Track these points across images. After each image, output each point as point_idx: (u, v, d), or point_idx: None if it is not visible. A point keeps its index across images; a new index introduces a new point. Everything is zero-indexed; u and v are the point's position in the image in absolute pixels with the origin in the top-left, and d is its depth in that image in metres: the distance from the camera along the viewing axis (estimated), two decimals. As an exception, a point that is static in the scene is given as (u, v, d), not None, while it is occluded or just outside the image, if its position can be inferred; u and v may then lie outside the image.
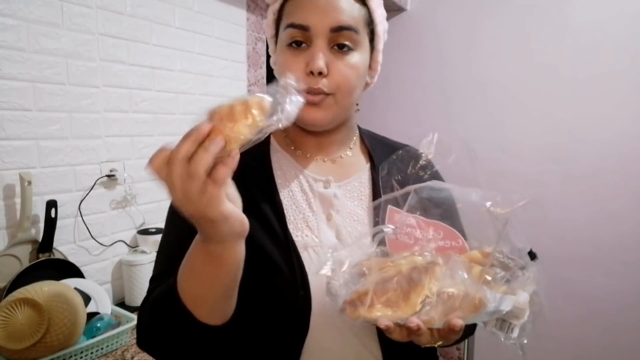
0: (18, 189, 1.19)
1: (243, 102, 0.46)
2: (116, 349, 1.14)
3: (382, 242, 0.56)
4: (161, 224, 1.57)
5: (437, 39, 2.24)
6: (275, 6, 0.64)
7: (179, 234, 0.60)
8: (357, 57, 0.62)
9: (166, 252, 0.65)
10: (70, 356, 1.03)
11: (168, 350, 0.58)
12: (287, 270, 0.59)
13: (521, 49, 2.06)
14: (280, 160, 0.69)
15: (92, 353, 1.08)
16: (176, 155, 0.42)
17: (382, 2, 0.66)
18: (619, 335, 1.97)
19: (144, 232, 1.50)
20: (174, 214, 0.66)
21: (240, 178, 0.54)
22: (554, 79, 2.01)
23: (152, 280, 0.65)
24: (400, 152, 0.65)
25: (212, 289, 0.51)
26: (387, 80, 2.36)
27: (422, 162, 0.64)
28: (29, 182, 1.17)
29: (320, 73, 0.59)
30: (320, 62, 0.58)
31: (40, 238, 1.23)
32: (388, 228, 0.53)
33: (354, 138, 0.74)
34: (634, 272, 1.92)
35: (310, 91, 0.59)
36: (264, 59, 2.06)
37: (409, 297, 0.47)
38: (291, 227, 0.63)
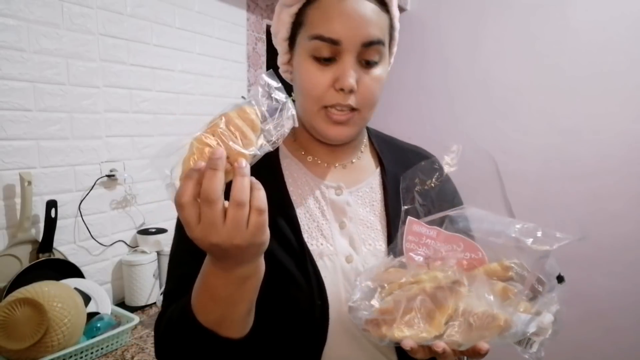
0: (18, 189, 1.19)
1: (236, 122, 0.46)
2: (116, 349, 1.14)
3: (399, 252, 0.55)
4: (161, 224, 1.58)
5: (437, 39, 2.24)
6: (293, 9, 0.59)
7: (189, 251, 0.56)
8: (381, 70, 0.60)
9: (177, 269, 0.63)
10: (70, 356, 1.03)
11: None
12: (303, 280, 0.58)
13: (521, 49, 2.06)
14: (290, 167, 0.67)
15: (92, 353, 1.08)
16: (208, 196, 0.41)
17: (396, 3, 0.64)
18: (619, 336, 1.97)
19: (144, 232, 1.50)
20: (182, 230, 0.63)
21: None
22: (555, 79, 2.01)
23: (166, 297, 0.63)
24: (424, 163, 0.63)
25: (237, 308, 0.50)
26: (388, 80, 2.36)
27: (444, 176, 0.62)
28: (29, 182, 1.17)
29: (351, 90, 0.56)
30: (352, 80, 0.56)
31: (40, 238, 1.23)
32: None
33: (364, 141, 0.73)
34: (635, 272, 1.92)
35: (336, 106, 0.57)
36: (264, 59, 2.06)
37: (433, 317, 0.46)
38: (306, 236, 0.61)
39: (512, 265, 0.50)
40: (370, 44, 0.56)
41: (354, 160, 0.69)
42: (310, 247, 0.60)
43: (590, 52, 1.92)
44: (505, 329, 0.45)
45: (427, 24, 2.25)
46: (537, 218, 2.10)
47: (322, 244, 0.61)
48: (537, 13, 2.01)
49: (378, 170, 0.70)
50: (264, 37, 2.03)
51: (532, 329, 0.46)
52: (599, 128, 1.94)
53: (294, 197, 0.63)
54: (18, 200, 1.19)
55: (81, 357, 1.06)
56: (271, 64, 2.08)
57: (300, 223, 0.61)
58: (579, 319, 2.03)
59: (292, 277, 0.58)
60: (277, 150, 0.67)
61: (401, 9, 2.27)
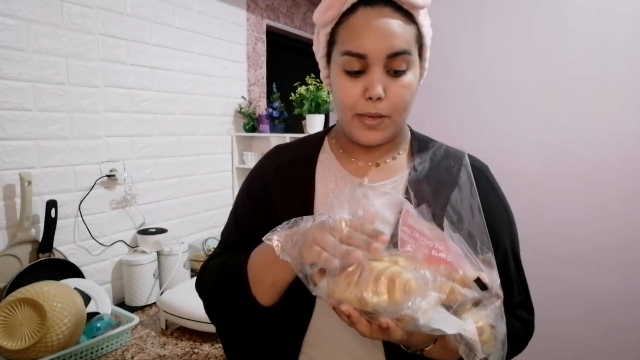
0: (18, 189, 1.19)
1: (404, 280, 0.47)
2: (116, 349, 1.14)
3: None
4: (161, 224, 1.58)
5: (437, 39, 2.24)
6: (328, 30, 0.65)
7: (242, 236, 0.72)
8: (410, 76, 0.64)
9: (228, 242, 0.75)
10: (70, 356, 1.03)
11: (215, 302, 0.69)
12: None
13: (521, 49, 2.06)
14: (325, 160, 0.73)
15: (92, 353, 1.08)
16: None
17: (427, 12, 0.67)
18: (618, 335, 1.97)
19: (144, 232, 1.50)
20: (241, 215, 0.74)
21: (285, 170, 0.72)
22: (554, 79, 2.01)
23: (213, 256, 0.76)
24: (438, 148, 0.67)
25: (274, 287, 0.61)
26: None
27: (453, 166, 0.64)
28: (29, 182, 1.17)
29: (378, 98, 0.61)
30: (379, 90, 0.60)
31: (40, 238, 1.23)
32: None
33: (405, 143, 0.76)
34: (634, 271, 1.92)
35: (368, 115, 0.63)
36: (264, 59, 2.06)
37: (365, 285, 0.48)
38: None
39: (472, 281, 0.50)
40: (395, 55, 0.61)
41: (387, 161, 0.72)
42: None
43: (589, 52, 1.93)
44: (404, 301, 0.45)
45: (427, 23, 2.25)
46: (536, 217, 2.10)
47: None
48: (537, 13, 2.01)
49: (408, 171, 0.72)
50: (264, 37, 2.03)
51: (448, 329, 0.45)
52: (599, 127, 1.94)
53: (317, 185, 0.70)
54: (18, 200, 1.19)
55: (81, 357, 1.06)
56: (271, 64, 2.08)
57: (317, 208, 0.68)
58: (578, 318, 2.03)
59: None
60: (319, 144, 0.75)
61: (401, 9, 2.27)
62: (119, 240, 1.47)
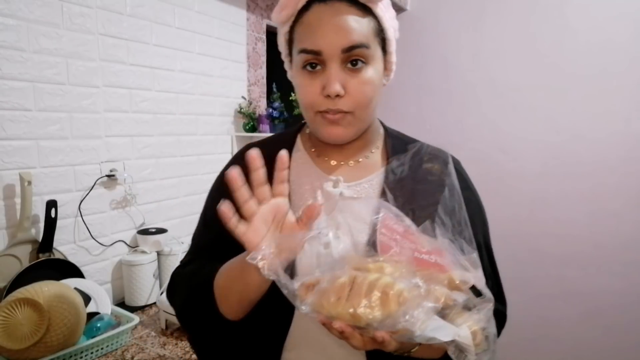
0: (18, 189, 1.19)
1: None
2: (116, 349, 1.14)
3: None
4: (161, 224, 1.58)
5: (437, 39, 2.24)
6: (285, 28, 0.65)
7: (212, 235, 0.70)
8: (371, 71, 0.63)
9: (198, 247, 0.74)
10: (70, 356, 1.03)
11: (186, 313, 0.69)
12: None
13: (521, 48, 2.06)
14: (299, 159, 0.72)
15: (92, 353, 1.08)
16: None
17: (389, 4, 0.66)
18: (618, 335, 1.97)
19: (144, 232, 1.50)
20: (210, 217, 0.72)
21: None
22: (554, 79, 2.01)
23: (184, 264, 0.75)
24: (431, 147, 0.66)
25: (241, 304, 0.61)
26: (383, 78, 2.35)
27: (436, 167, 0.63)
28: (29, 182, 1.17)
29: (337, 95, 0.60)
30: (337, 86, 0.60)
31: (40, 238, 1.23)
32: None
33: (378, 141, 0.75)
34: (634, 271, 1.92)
35: (329, 112, 0.62)
36: (264, 59, 2.06)
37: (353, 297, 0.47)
38: None
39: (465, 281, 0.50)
40: (351, 49, 0.60)
41: (360, 159, 0.71)
42: None
43: (589, 52, 1.93)
44: (399, 313, 0.44)
45: (427, 24, 2.25)
46: (536, 217, 2.10)
47: None
48: (537, 13, 2.01)
49: (384, 168, 0.71)
50: (264, 37, 2.03)
51: (443, 337, 0.44)
52: (598, 127, 1.94)
53: (292, 186, 0.69)
54: (18, 200, 1.19)
55: (81, 357, 1.06)
56: (271, 64, 2.08)
57: (292, 209, 0.66)
58: (577, 318, 2.03)
59: None
60: (291, 142, 0.74)
61: (401, 9, 2.27)
62: (119, 240, 1.47)
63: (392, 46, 0.68)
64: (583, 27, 1.92)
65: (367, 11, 0.62)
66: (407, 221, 0.54)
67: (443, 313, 0.47)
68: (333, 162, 0.71)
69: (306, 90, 0.62)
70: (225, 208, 0.52)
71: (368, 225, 0.64)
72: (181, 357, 1.12)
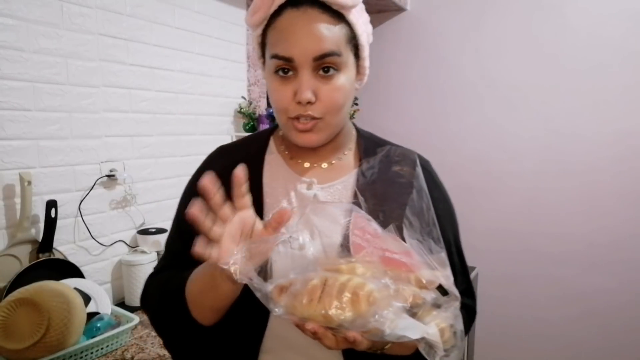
0: (18, 189, 1.19)
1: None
2: (116, 349, 1.14)
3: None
4: (161, 224, 1.58)
5: (437, 39, 2.24)
6: (258, 32, 0.66)
7: (185, 242, 0.67)
8: (343, 78, 0.63)
9: (172, 253, 0.74)
10: (70, 356, 1.03)
11: (161, 320, 0.70)
12: None
13: (521, 48, 2.06)
14: (272, 162, 0.73)
15: (92, 353, 1.08)
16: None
17: (363, 8, 0.66)
18: (614, 334, 1.97)
19: (144, 232, 1.50)
20: (183, 223, 0.70)
21: (231, 171, 0.65)
22: (553, 78, 2.01)
23: (157, 271, 0.76)
24: (385, 151, 0.67)
25: (213, 311, 0.62)
26: (387, 80, 2.36)
27: (405, 169, 0.65)
28: (29, 182, 1.17)
29: (308, 102, 0.61)
30: (308, 94, 0.60)
31: (40, 238, 1.23)
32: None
33: (350, 143, 0.75)
34: (630, 270, 1.92)
35: (300, 117, 0.62)
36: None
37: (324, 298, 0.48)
38: None
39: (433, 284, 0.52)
40: (323, 57, 0.60)
41: (333, 161, 0.72)
42: None
43: (588, 51, 1.93)
44: (369, 313, 0.46)
45: (427, 24, 2.25)
46: (533, 216, 2.11)
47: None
48: (536, 12, 2.01)
49: (356, 170, 0.72)
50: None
51: (412, 335, 0.46)
52: (596, 126, 1.94)
53: (266, 189, 0.70)
54: (18, 200, 1.19)
55: (81, 357, 1.06)
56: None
57: (265, 210, 0.68)
58: (574, 318, 2.03)
59: None
60: (265, 146, 0.75)
61: (401, 9, 2.27)
62: (119, 240, 1.47)
63: (365, 51, 0.68)
64: (583, 27, 1.92)
65: (340, 17, 0.62)
66: (376, 224, 0.55)
67: (412, 312, 0.48)
68: (306, 165, 0.71)
69: (278, 95, 0.63)
70: (194, 212, 0.51)
71: (341, 227, 0.64)
72: (181, 357, 1.13)
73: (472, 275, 2.01)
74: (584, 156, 1.97)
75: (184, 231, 0.70)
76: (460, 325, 0.50)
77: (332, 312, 0.46)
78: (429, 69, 2.27)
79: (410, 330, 0.46)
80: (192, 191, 0.73)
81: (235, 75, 1.91)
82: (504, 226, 2.15)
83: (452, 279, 0.52)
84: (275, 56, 0.61)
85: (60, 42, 1.26)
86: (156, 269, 0.76)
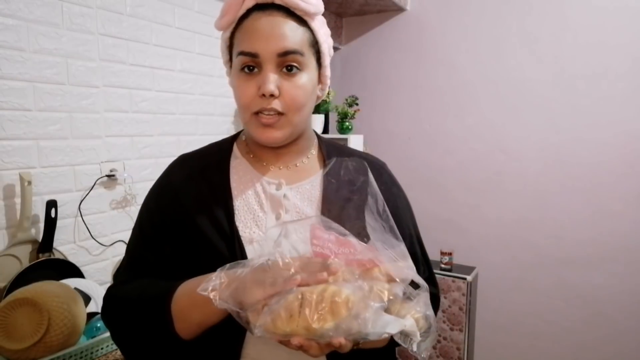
0: (18, 189, 1.19)
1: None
2: (116, 349, 1.14)
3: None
4: (161, 224, 1.58)
5: (437, 39, 2.24)
6: (227, 34, 0.70)
7: (152, 251, 0.71)
8: (305, 77, 0.67)
9: (135, 265, 0.73)
10: (70, 356, 1.03)
11: (125, 331, 0.68)
12: (230, 259, 0.63)
13: (521, 48, 2.06)
14: (238, 166, 0.75)
15: (92, 353, 1.08)
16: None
17: (324, 22, 0.71)
18: (619, 336, 1.97)
19: (144, 232, 1.50)
20: (148, 231, 0.73)
21: (196, 177, 0.72)
22: (554, 79, 2.01)
23: (121, 274, 0.75)
24: (352, 160, 0.72)
25: (199, 326, 0.62)
26: (387, 80, 2.36)
27: (361, 178, 0.70)
28: (29, 182, 1.17)
29: (272, 95, 0.64)
30: (271, 86, 0.63)
31: (40, 238, 1.23)
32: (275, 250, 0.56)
33: (312, 148, 0.79)
34: (635, 272, 1.92)
35: (263, 111, 0.65)
36: (264, 58, 2.06)
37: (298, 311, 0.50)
38: (240, 225, 0.69)
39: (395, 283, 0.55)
40: (285, 54, 0.64)
41: (298, 164, 0.76)
42: (242, 234, 0.69)
43: (590, 52, 1.93)
44: (350, 318, 0.48)
45: (427, 24, 2.25)
46: (535, 217, 2.10)
47: (254, 232, 0.69)
48: (536, 12, 2.01)
49: (321, 171, 0.76)
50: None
51: (392, 330, 0.50)
52: (599, 127, 1.94)
53: (235, 192, 0.72)
54: (18, 200, 1.19)
55: (81, 357, 1.06)
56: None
57: (237, 213, 0.70)
58: (581, 320, 2.03)
59: (221, 256, 0.66)
60: (230, 151, 0.77)
61: (401, 9, 2.27)
62: (119, 240, 1.47)
63: (327, 60, 0.72)
64: (583, 27, 1.92)
65: (303, 23, 0.67)
66: (340, 229, 0.58)
67: (386, 307, 0.52)
68: (272, 167, 0.74)
69: (242, 90, 0.66)
70: None
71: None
72: (181, 357, 1.12)
73: (471, 275, 2.01)
74: (585, 156, 1.97)
75: (150, 240, 0.71)
76: (431, 312, 0.54)
77: (315, 324, 0.48)
78: (429, 69, 2.27)
79: (389, 326, 0.50)
80: (155, 204, 0.75)
81: (236, 76, 1.91)
82: (504, 226, 2.15)
83: (414, 269, 0.56)
84: (241, 53, 0.65)
85: (60, 42, 1.26)
86: (119, 280, 0.74)
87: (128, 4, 1.43)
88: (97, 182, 1.38)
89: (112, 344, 1.13)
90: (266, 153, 0.74)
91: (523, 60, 2.06)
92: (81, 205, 1.34)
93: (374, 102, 2.36)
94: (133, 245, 0.75)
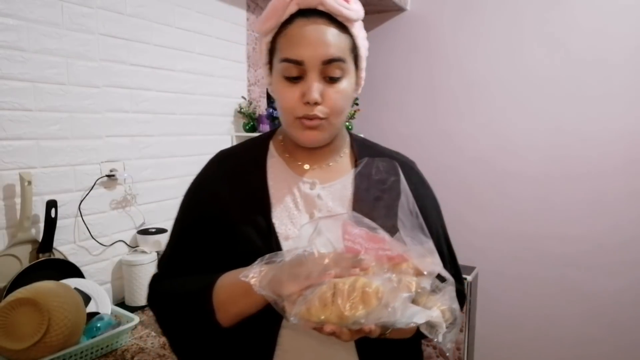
0: (18, 189, 1.19)
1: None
2: (116, 349, 1.14)
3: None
4: (161, 224, 1.58)
5: (437, 39, 2.24)
6: (268, 38, 0.71)
7: (195, 250, 0.74)
8: (346, 83, 0.69)
9: (180, 259, 0.76)
10: (70, 356, 1.03)
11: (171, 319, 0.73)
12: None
13: (521, 48, 2.06)
14: (274, 165, 0.77)
15: (92, 353, 1.08)
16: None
17: (362, 25, 0.72)
18: (621, 335, 1.97)
19: (144, 232, 1.50)
20: (189, 231, 0.76)
21: (234, 175, 0.75)
22: (555, 79, 2.01)
23: (164, 264, 0.78)
24: (383, 160, 0.74)
25: (238, 316, 0.66)
26: (387, 80, 2.36)
27: (392, 178, 0.72)
28: (29, 182, 1.17)
29: (315, 103, 0.66)
30: (316, 94, 0.65)
31: (40, 238, 1.23)
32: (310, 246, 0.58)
33: (345, 147, 0.81)
34: (636, 271, 1.92)
35: (306, 117, 0.67)
36: (265, 59, 2.06)
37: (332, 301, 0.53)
38: (276, 222, 0.72)
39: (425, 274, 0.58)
40: (330, 62, 0.66)
41: (331, 164, 0.78)
42: (278, 231, 0.71)
43: (593, 52, 1.93)
44: (380, 307, 0.51)
45: (427, 24, 2.25)
46: (537, 217, 2.10)
47: (289, 229, 0.71)
48: (538, 12, 2.01)
49: (353, 171, 0.78)
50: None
51: (419, 320, 0.53)
52: (600, 128, 1.94)
53: (272, 191, 0.74)
54: (18, 200, 1.19)
55: (81, 357, 1.06)
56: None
57: (273, 210, 0.72)
58: (582, 320, 2.03)
59: (259, 254, 0.67)
60: (265, 150, 0.79)
61: (401, 9, 2.27)
62: (119, 240, 1.47)
63: (363, 63, 0.74)
64: (587, 27, 1.92)
65: (344, 29, 0.68)
66: (371, 224, 0.60)
67: (414, 298, 0.54)
68: (306, 166, 0.77)
69: (287, 97, 0.68)
70: None
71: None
72: (181, 357, 1.12)
73: (472, 275, 2.01)
74: (588, 156, 1.97)
75: (189, 234, 0.74)
76: (457, 305, 0.57)
77: (347, 312, 0.51)
78: (429, 68, 2.27)
79: (416, 316, 0.53)
80: (194, 199, 0.77)
81: (236, 75, 1.91)
82: (505, 226, 2.15)
83: (441, 264, 0.59)
84: (285, 60, 0.66)
85: (61, 42, 1.26)
86: (160, 273, 0.78)
87: (129, 4, 1.43)
88: (98, 182, 1.38)
89: (112, 344, 1.13)
90: (302, 153, 0.77)
91: (524, 59, 2.06)
92: (81, 205, 1.34)
93: (374, 102, 2.36)
94: (174, 237, 0.78)
